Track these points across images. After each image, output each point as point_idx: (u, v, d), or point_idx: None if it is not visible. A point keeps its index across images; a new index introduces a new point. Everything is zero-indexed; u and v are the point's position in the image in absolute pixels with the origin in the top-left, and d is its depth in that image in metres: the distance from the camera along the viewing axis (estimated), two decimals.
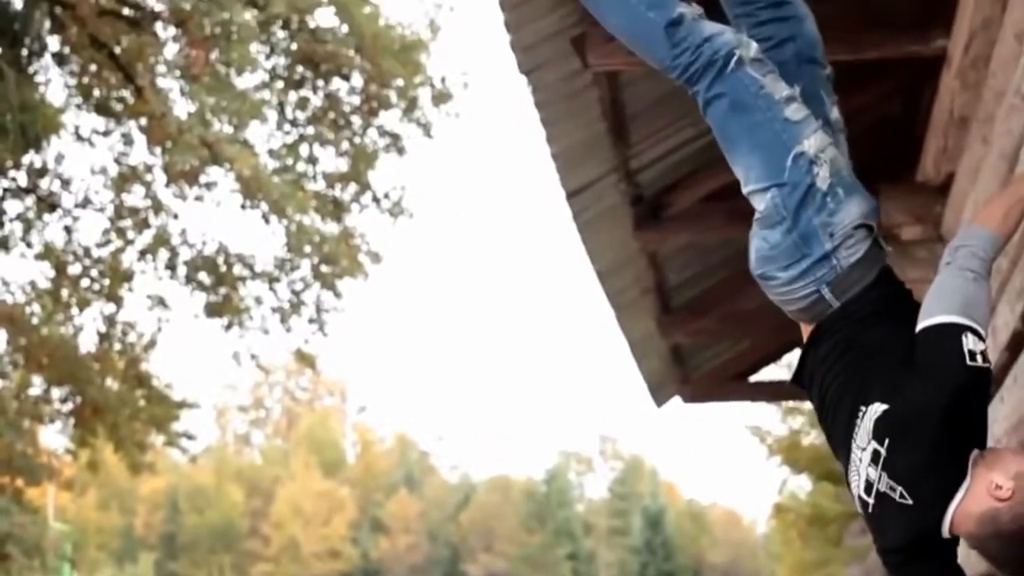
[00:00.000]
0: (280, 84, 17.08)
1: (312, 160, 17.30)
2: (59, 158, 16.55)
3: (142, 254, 16.82)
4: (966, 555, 5.08)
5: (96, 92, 16.39)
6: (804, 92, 3.53)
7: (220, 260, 16.90)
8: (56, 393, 16.94)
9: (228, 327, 17.04)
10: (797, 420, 21.13)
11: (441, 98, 16.96)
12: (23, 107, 13.84)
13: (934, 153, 6.06)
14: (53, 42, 15.72)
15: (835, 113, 3.62)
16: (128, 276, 16.80)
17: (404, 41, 16.36)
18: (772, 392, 12.51)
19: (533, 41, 5.51)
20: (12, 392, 16.87)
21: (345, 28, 16.32)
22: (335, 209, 17.22)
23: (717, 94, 3.40)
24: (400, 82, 16.57)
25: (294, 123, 17.20)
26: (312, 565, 72.87)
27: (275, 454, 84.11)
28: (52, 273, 16.65)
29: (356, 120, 17.02)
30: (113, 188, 16.71)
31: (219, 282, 16.89)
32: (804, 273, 3.33)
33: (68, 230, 16.65)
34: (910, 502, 3.11)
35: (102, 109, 16.44)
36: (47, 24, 15.11)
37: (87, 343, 17.00)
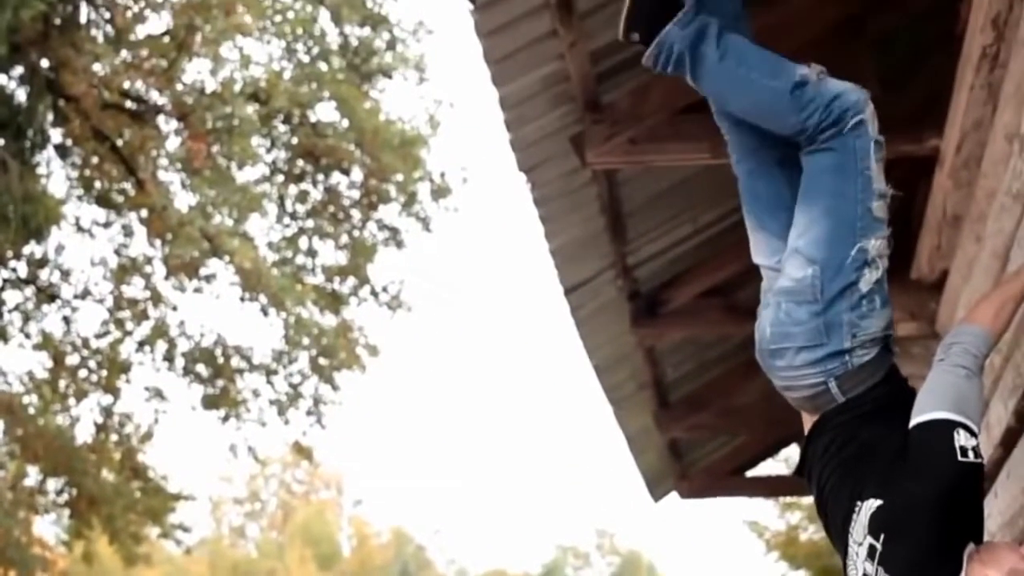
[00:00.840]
0: (281, 177, 17.20)
1: (311, 253, 17.38)
2: (59, 249, 16.63)
3: (140, 345, 16.84)
4: None
5: (97, 184, 16.50)
6: (791, 184, 3.54)
7: (218, 352, 16.91)
8: (52, 484, 16.88)
9: (225, 419, 17.02)
10: (795, 515, 21.00)
11: (440, 193, 17.08)
12: (25, 198, 13.93)
13: (928, 251, 6.10)
14: (56, 134, 15.85)
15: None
16: (126, 367, 16.81)
17: (404, 136, 16.51)
18: (769, 487, 12.47)
19: (532, 139, 5.58)
20: (8, 482, 16.81)
21: (346, 123, 16.48)
22: (334, 302, 17.27)
23: (829, 148, 3.39)
24: (400, 176, 16.69)
25: (294, 216, 17.30)
26: None
27: (270, 547, 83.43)
28: (50, 363, 16.66)
29: (356, 214, 17.12)
30: (112, 279, 16.76)
31: (217, 374, 16.89)
32: (817, 362, 3.33)
33: (67, 321, 16.68)
34: None
35: (103, 201, 16.54)
36: (50, 116, 15.24)
37: (84, 434, 16.98)
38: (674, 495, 10.66)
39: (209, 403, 16.93)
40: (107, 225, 16.70)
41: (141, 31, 16.15)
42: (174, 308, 16.89)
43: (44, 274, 16.58)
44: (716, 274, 7.57)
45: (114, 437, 17.00)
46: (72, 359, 16.75)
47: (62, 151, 16.13)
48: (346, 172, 16.87)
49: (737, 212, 7.21)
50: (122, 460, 16.93)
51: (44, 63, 14.95)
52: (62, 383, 16.77)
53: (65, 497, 16.75)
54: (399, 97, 39.17)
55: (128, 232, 16.67)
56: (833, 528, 3.33)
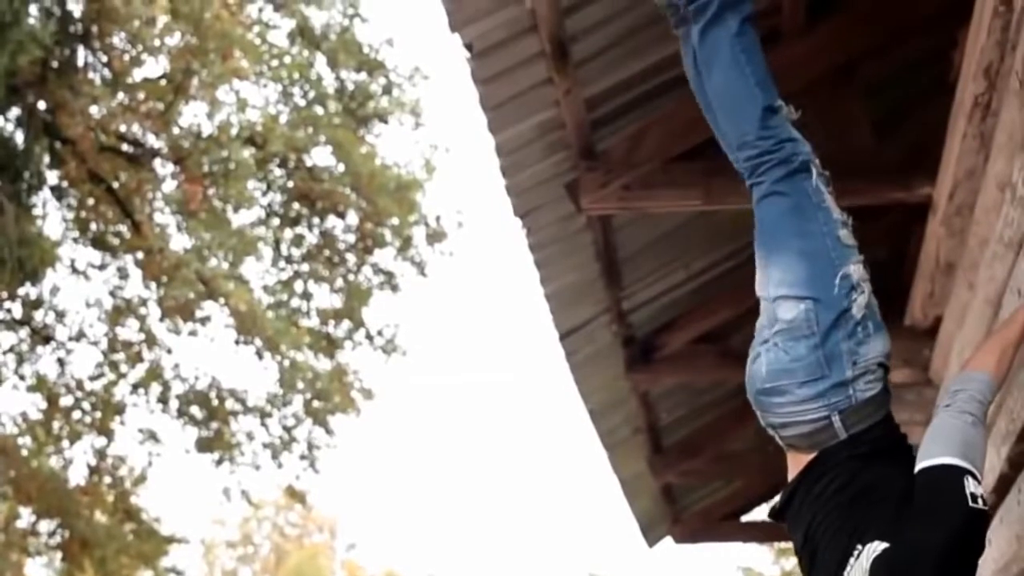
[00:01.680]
0: (276, 221, 17.24)
1: (307, 296, 17.40)
2: (54, 291, 16.65)
3: (134, 387, 16.83)
4: None
5: (93, 226, 16.53)
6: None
7: (212, 395, 16.91)
8: (44, 526, 16.83)
9: (219, 462, 17.00)
10: (790, 561, 21.00)
11: (435, 237, 17.12)
12: (21, 240, 13.95)
13: (921, 298, 6.11)
14: (52, 176, 15.90)
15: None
16: (120, 409, 16.79)
17: (400, 180, 16.56)
18: (764, 532, 12.43)
19: (528, 185, 5.60)
20: (0, 524, 16.76)
21: (342, 167, 16.53)
22: (328, 346, 17.28)
23: (780, 191, 3.44)
24: (395, 221, 16.73)
25: (289, 260, 17.33)
26: None
27: None
28: (44, 405, 16.64)
29: (351, 257, 17.16)
30: (107, 321, 16.77)
31: (211, 416, 16.87)
32: (820, 395, 3.31)
33: (61, 362, 16.68)
34: None
35: (99, 243, 16.57)
36: (47, 159, 15.29)
37: (77, 476, 16.96)
38: (668, 540, 10.64)
39: (203, 446, 16.90)
40: (102, 267, 16.73)
41: (138, 74, 16.24)
42: (169, 350, 16.90)
43: (39, 316, 16.59)
44: (709, 320, 7.59)
45: (107, 479, 16.97)
46: (66, 400, 16.74)
47: (58, 193, 16.17)
48: (341, 216, 16.91)
49: (729, 259, 7.27)
50: (115, 502, 16.89)
51: (41, 105, 15.00)
52: (56, 424, 16.75)
53: (57, 539, 16.70)
54: (395, 142, 39.21)
55: (123, 274, 16.70)
56: (820, 571, 3.28)
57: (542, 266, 6.21)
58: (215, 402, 16.86)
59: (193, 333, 16.74)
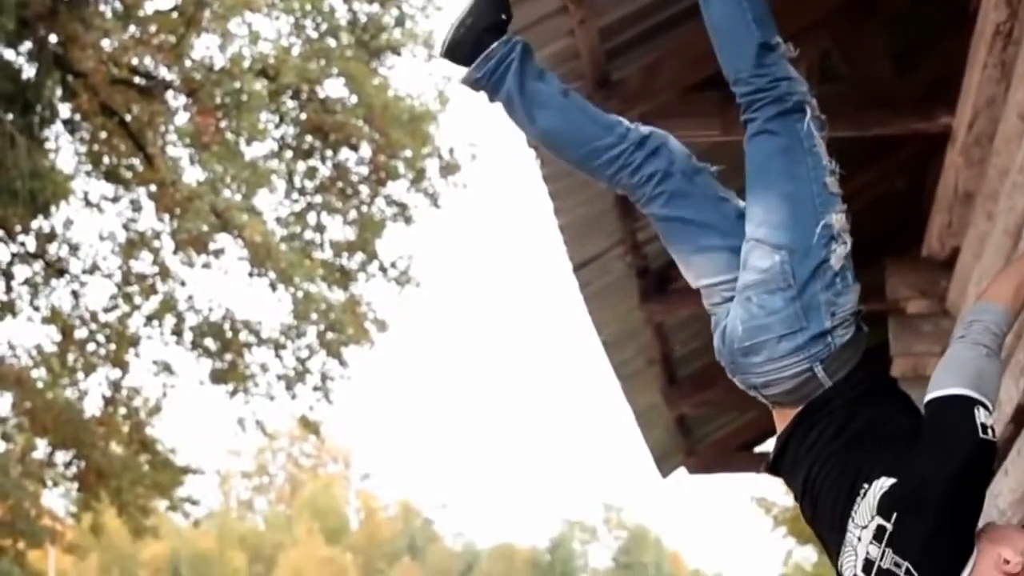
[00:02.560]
0: (289, 153, 17.20)
1: (320, 228, 17.39)
2: (68, 224, 16.67)
3: (149, 320, 16.88)
4: None
5: (106, 159, 16.52)
6: (708, 197, 3.49)
7: (226, 326, 16.95)
8: (60, 457, 16.95)
9: (233, 393, 17.07)
10: None
11: (449, 169, 17.08)
12: (33, 173, 13.95)
13: (939, 229, 6.08)
14: (64, 110, 15.88)
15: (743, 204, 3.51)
16: (134, 341, 16.85)
17: (413, 112, 16.50)
18: None
19: None
20: (16, 455, 16.88)
21: (354, 99, 16.47)
22: (342, 277, 17.29)
23: (772, 130, 3.36)
24: (408, 152, 16.69)
25: (302, 192, 17.30)
26: None
27: (278, 520, 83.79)
28: (59, 337, 16.71)
29: (364, 189, 17.13)
30: (121, 254, 16.79)
31: (225, 348, 16.93)
32: (799, 348, 3.25)
33: (75, 295, 16.73)
34: None
35: (111, 176, 16.56)
36: (58, 92, 15.25)
37: (92, 407, 17.05)
38: (682, 471, 10.67)
39: (217, 377, 16.97)
40: (115, 200, 16.74)
41: (150, 6, 16.19)
42: (182, 283, 16.94)
43: (53, 249, 16.62)
44: None
45: (122, 411, 17.06)
46: (80, 333, 16.80)
47: (70, 126, 16.15)
48: (355, 148, 16.87)
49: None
50: (130, 433, 17.00)
51: (52, 38, 14.95)
52: (70, 357, 16.83)
53: (73, 470, 16.83)
54: (408, 73, 39.19)
55: (137, 207, 16.71)
56: (824, 517, 3.25)
57: (556, 197, 6.18)
58: (229, 334, 16.90)
59: (207, 265, 16.77)
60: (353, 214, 17.24)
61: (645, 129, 3.52)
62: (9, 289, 16.38)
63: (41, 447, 17.12)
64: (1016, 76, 4.43)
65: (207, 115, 15.55)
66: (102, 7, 15.51)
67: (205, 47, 16.50)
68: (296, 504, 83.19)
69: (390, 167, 16.76)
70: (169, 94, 16.18)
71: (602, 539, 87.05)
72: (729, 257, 3.42)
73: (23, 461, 16.95)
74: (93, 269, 16.76)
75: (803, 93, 3.40)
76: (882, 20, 5.85)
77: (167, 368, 17.05)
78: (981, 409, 3.15)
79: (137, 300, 16.89)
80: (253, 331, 17.04)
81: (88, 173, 16.72)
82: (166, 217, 16.41)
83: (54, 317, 16.61)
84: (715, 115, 5.36)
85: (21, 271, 16.53)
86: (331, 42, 16.71)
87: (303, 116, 16.78)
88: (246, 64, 15.96)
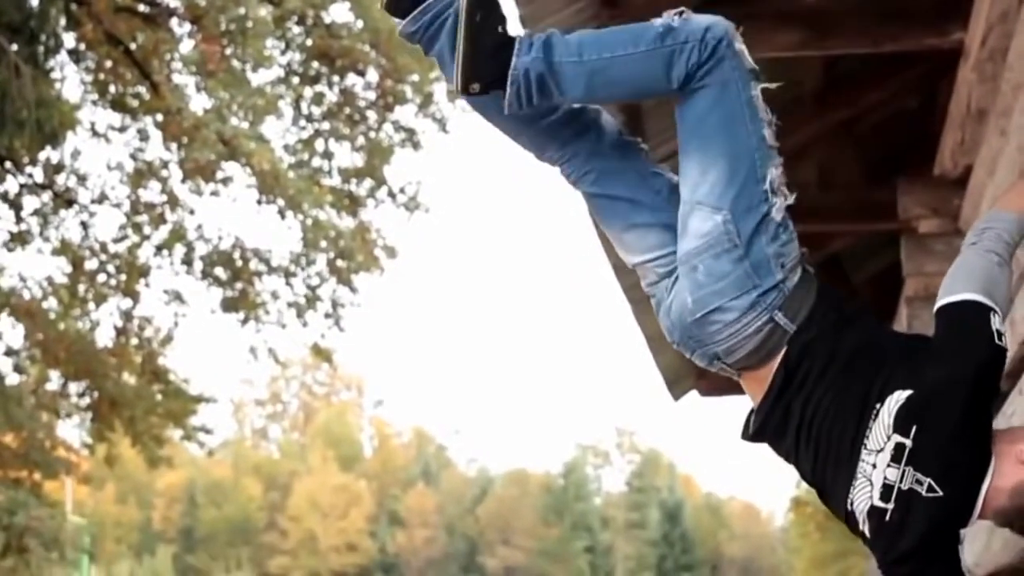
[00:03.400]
0: (296, 79, 17.11)
1: (328, 155, 17.33)
2: (75, 154, 16.62)
3: (158, 249, 16.87)
4: (986, 547, 5.07)
5: (112, 88, 16.44)
6: (639, 173, 3.39)
7: (236, 255, 16.94)
8: (73, 388, 17.01)
9: (244, 322, 17.09)
10: None
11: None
12: (39, 103, 13.87)
13: (951, 146, 6.03)
14: (69, 39, 15.76)
15: (676, 178, 3.38)
16: (144, 271, 16.85)
17: None
18: None
19: None
20: (29, 386, 16.93)
21: (360, 23, 16.34)
22: (351, 204, 17.24)
23: (705, 85, 3.17)
24: (416, 77, 16.58)
25: (309, 118, 17.22)
26: (329, 558, 72.98)
27: (292, 448, 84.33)
28: (69, 268, 16.71)
29: (371, 115, 17.04)
30: (129, 184, 16.76)
31: (235, 277, 16.92)
32: (755, 304, 3.16)
33: (84, 225, 16.71)
34: (940, 493, 3.04)
35: (118, 105, 16.49)
36: (63, 21, 15.14)
37: (104, 338, 17.09)
38: (693, 394, 10.66)
39: (228, 306, 16.98)
40: (122, 129, 16.68)
41: None
42: (191, 211, 16.91)
43: (61, 179, 16.59)
44: None
45: (134, 341, 17.10)
46: (91, 264, 16.80)
47: (75, 55, 16.06)
48: (361, 73, 16.76)
49: None
50: (143, 364, 17.04)
51: None
52: (81, 288, 16.83)
53: (87, 400, 16.88)
54: None
55: (144, 136, 16.65)
56: (831, 457, 3.19)
57: None
58: (239, 262, 16.89)
59: (215, 193, 16.74)
60: (361, 140, 17.17)
61: (577, 105, 3.37)
62: (18, 220, 16.37)
63: (54, 379, 17.17)
64: None
65: (212, 42, 15.44)
66: None
67: None
68: (310, 432, 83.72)
69: (397, 92, 16.66)
70: (174, 21, 16.07)
71: (615, 463, 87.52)
72: (661, 233, 3.33)
73: (36, 393, 17.01)
74: (102, 199, 16.73)
75: (727, 32, 3.20)
76: None
77: (178, 297, 17.05)
78: (995, 316, 3.13)
79: (146, 230, 16.87)
80: (263, 259, 17.03)
81: (94, 103, 16.66)
82: (173, 146, 16.35)
83: (64, 248, 16.60)
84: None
85: (30, 202, 16.52)
86: None
87: (309, 42, 16.67)
88: None
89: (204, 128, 15.47)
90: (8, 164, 15.96)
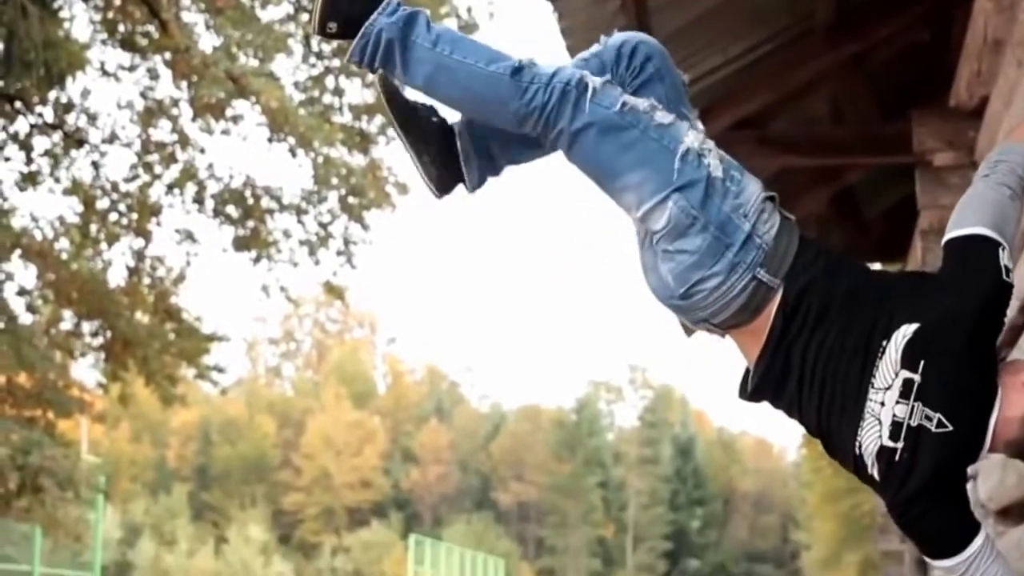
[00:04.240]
0: (305, 16, 17.00)
1: (338, 92, 17.26)
2: (85, 93, 16.60)
3: (170, 188, 16.85)
4: (1000, 482, 5.06)
5: (121, 27, 16.36)
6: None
7: (247, 193, 16.92)
8: (86, 327, 17.03)
9: (256, 260, 17.09)
10: None
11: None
12: (47, 44, 13.82)
13: (967, 77, 5.97)
14: None
15: (700, 124, 3.42)
16: (156, 210, 16.84)
17: None
18: None
19: None
20: (43, 326, 16.96)
21: None
22: (362, 141, 17.19)
23: (582, 126, 3.21)
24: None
25: (319, 55, 17.13)
26: (343, 495, 73.39)
27: (306, 386, 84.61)
28: (80, 208, 16.70)
29: None
30: (139, 123, 16.72)
31: (247, 215, 16.91)
32: (735, 264, 3.17)
33: (95, 165, 16.68)
34: (950, 428, 3.03)
35: (127, 44, 16.42)
36: None
37: (116, 277, 17.10)
38: (704, 332, 10.64)
39: (240, 244, 16.98)
40: (132, 68, 16.62)
41: None
42: (202, 150, 16.89)
43: (71, 119, 16.55)
44: (747, 105, 7.45)
45: (147, 280, 17.11)
46: (102, 203, 16.79)
47: None
48: None
49: (768, 42, 7.10)
50: (155, 303, 17.06)
51: None
52: (93, 227, 16.84)
53: (100, 340, 16.91)
54: None
55: (153, 75, 16.59)
56: (836, 400, 3.16)
57: (574, 52, 6.07)
58: (250, 200, 16.87)
59: (226, 132, 16.70)
60: (371, 77, 17.06)
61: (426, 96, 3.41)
62: (29, 161, 16.34)
63: (67, 319, 17.19)
64: None
65: None
66: None
67: None
68: (323, 370, 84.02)
69: None
70: None
71: (628, 399, 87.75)
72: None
73: (49, 333, 17.03)
74: (112, 139, 16.70)
75: (575, 74, 3.24)
76: None
77: (190, 236, 17.05)
78: (1003, 251, 3.12)
79: (157, 169, 16.85)
80: (274, 197, 17.00)
81: (103, 42, 16.58)
82: (183, 84, 16.29)
83: (75, 188, 16.58)
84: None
85: (40, 143, 16.48)
86: None
87: None
88: None
89: (213, 66, 15.40)
90: (18, 105, 15.92)
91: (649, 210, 3.20)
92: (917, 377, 3.05)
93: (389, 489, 75.87)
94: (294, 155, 16.53)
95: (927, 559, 3.21)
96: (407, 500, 77.37)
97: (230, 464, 74.47)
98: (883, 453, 3.10)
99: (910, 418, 3.06)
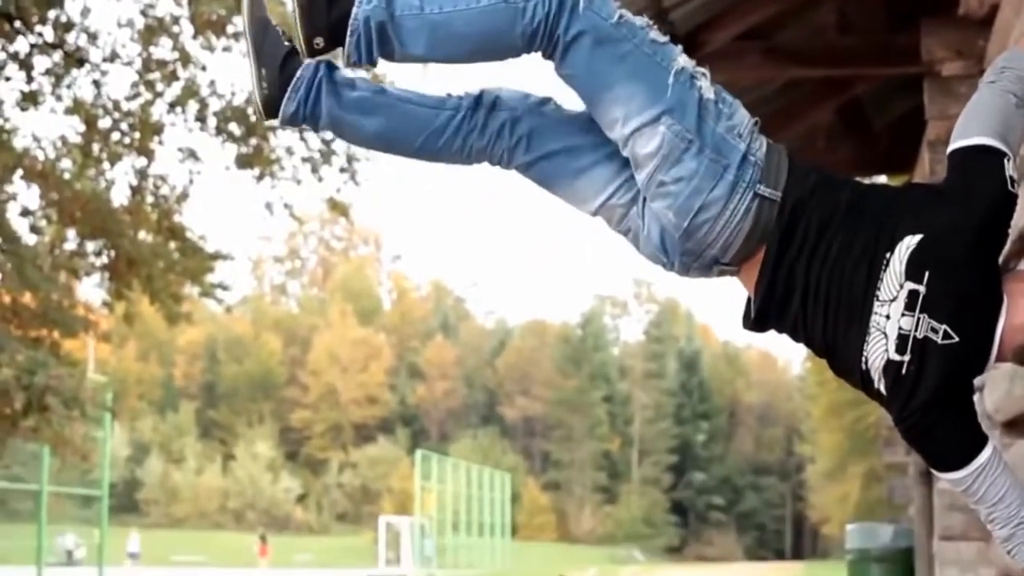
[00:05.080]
0: None
1: None
2: (85, 12, 16.43)
3: (171, 106, 16.75)
4: (1007, 393, 5.04)
5: None
6: (563, 121, 3.38)
7: (250, 111, 16.81)
8: (90, 247, 16.99)
9: (260, 178, 17.03)
10: None
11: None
12: None
13: None
14: None
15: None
16: (158, 129, 16.75)
17: None
18: None
19: None
20: (46, 246, 16.93)
21: None
22: None
23: (577, 34, 3.14)
24: None
25: None
26: (350, 411, 73.82)
27: (311, 303, 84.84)
28: (82, 127, 16.61)
29: None
30: (140, 41, 16.58)
31: (249, 133, 16.82)
32: (735, 184, 3.12)
33: (97, 84, 16.57)
34: (955, 339, 3.00)
35: None
36: None
37: (119, 197, 17.04)
38: None
39: (243, 162, 16.91)
40: None
41: None
42: (203, 68, 16.74)
43: (71, 38, 16.42)
44: (753, 15, 7.38)
45: (150, 199, 17.05)
46: (104, 122, 16.69)
47: None
48: None
49: None
50: (159, 221, 17.01)
51: None
52: (95, 147, 16.75)
53: (104, 259, 16.89)
54: None
55: None
56: (841, 315, 3.12)
57: None
58: (253, 118, 16.78)
59: (227, 49, 16.56)
60: None
61: (474, 90, 3.37)
62: (30, 80, 16.23)
63: (71, 238, 17.16)
64: None
65: None
66: None
67: None
68: (329, 287, 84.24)
69: None
70: None
71: (633, 313, 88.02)
72: (608, 164, 3.32)
73: (53, 253, 17.01)
74: (113, 57, 16.57)
75: None
76: None
77: (192, 154, 16.97)
78: (1008, 161, 3.08)
79: (159, 87, 16.73)
80: None
81: None
82: (183, 1, 16.16)
83: (76, 107, 16.49)
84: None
85: (40, 62, 16.36)
86: None
87: None
88: None
89: None
90: (17, 24, 15.79)
91: (638, 128, 3.15)
92: (922, 288, 3.02)
93: (395, 405, 76.30)
94: None
95: (934, 472, 3.19)
96: (413, 416, 77.82)
97: (237, 382, 74.86)
98: (890, 367, 3.08)
99: (916, 330, 3.03)
